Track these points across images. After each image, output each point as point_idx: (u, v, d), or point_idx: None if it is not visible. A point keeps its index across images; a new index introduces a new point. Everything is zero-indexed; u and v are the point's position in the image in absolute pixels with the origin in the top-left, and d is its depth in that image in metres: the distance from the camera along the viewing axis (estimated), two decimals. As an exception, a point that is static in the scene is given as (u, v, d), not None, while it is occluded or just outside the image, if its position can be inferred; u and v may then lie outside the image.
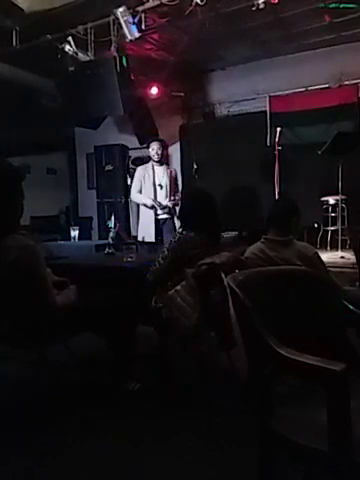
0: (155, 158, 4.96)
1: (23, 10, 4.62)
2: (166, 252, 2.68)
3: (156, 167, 5.01)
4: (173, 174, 5.10)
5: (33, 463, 1.94)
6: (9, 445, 2.07)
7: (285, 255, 2.55)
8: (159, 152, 4.94)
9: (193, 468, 1.88)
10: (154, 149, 4.94)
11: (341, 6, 4.67)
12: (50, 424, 2.24)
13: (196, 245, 2.64)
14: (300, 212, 2.75)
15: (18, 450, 2.04)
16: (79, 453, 2.01)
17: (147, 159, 5.40)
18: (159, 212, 4.96)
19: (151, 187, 4.95)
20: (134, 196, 5.09)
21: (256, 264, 2.54)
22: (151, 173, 4.98)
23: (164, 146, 5.10)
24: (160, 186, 4.97)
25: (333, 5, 4.68)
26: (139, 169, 5.15)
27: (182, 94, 7.05)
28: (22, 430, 2.19)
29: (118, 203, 7.32)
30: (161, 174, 5.01)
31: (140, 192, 4.98)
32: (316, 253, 2.67)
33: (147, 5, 4.52)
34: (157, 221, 4.95)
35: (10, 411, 2.37)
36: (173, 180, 5.05)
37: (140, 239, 4.97)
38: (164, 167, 5.08)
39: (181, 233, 2.73)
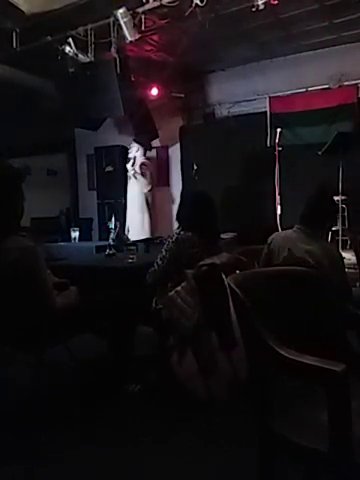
0: None
1: (23, 12, 4.64)
2: (164, 252, 2.68)
3: None
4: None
5: (33, 464, 1.94)
6: (9, 446, 2.07)
7: (313, 248, 2.56)
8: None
9: (193, 468, 1.88)
10: None
11: None
12: (50, 424, 2.24)
13: (194, 244, 2.63)
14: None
15: (18, 451, 2.04)
16: (79, 453, 2.01)
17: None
18: None
19: None
20: None
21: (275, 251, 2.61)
22: None
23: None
24: None
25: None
26: None
27: (182, 95, 7.05)
28: (22, 431, 2.19)
29: (118, 204, 7.31)
30: None
31: None
32: (341, 254, 2.72)
33: (147, 6, 4.53)
34: None
35: (10, 412, 2.37)
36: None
37: None
38: None
39: (178, 233, 2.73)
